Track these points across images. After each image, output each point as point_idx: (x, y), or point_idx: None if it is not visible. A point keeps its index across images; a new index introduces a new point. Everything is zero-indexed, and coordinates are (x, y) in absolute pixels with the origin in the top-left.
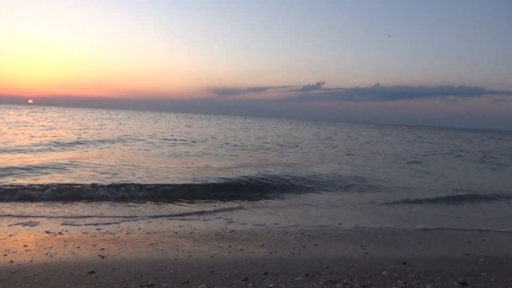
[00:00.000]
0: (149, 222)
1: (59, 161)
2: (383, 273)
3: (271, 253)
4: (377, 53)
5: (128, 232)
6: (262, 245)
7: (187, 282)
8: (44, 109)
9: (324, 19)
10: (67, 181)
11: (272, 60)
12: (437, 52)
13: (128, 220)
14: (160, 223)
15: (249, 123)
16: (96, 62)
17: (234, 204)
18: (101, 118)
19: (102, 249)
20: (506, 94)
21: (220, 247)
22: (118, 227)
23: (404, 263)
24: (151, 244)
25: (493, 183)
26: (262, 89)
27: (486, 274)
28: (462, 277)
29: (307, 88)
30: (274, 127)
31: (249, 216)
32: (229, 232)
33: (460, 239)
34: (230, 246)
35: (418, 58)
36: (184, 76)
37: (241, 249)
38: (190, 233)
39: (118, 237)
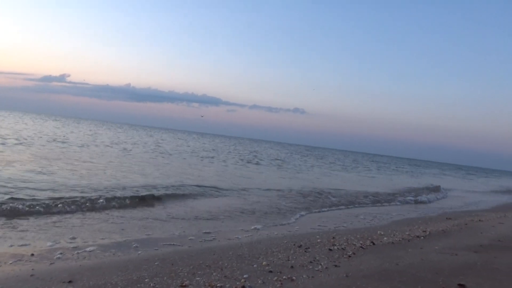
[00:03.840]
0: None
1: None
2: None
3: None
4: (129, 53)
5: None
6: None
7: None
8: None
9: (65, 7)
10: None
11: None
12: (184, 61)
13: None
14: None
15: None
16: None
17: None
18: None
19: None
20: (237, 105)
21: None
22: None
23: (70, 281)
24: None
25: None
26: None
27: (149, 280)
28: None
29: (48, 78)
30: None
31: None
32: None
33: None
34: None
35: (168, 63)
36: None
37: None
38: None
39: None
